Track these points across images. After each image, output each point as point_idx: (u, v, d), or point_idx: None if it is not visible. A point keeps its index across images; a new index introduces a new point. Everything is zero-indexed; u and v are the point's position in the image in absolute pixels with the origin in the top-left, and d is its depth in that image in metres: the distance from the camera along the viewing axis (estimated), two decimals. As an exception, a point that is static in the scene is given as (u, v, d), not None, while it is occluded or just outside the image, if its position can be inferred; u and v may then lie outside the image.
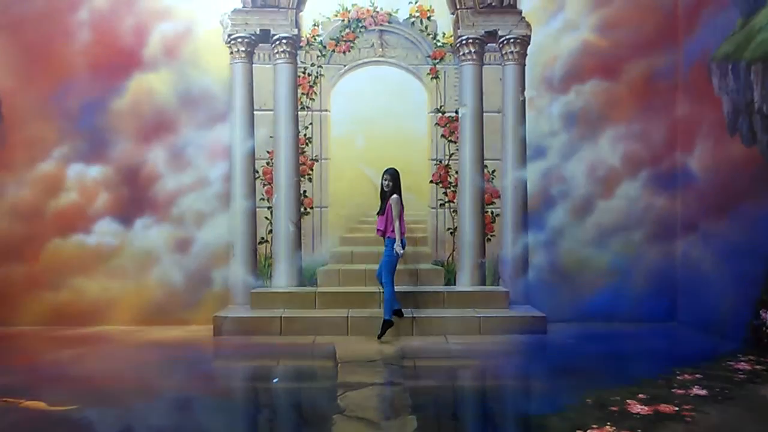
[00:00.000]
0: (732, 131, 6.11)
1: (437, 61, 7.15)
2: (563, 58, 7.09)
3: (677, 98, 7.07)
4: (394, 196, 6.05)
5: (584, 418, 3.73)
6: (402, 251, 6.00)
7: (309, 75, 7.14)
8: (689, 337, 6.35)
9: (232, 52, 7.00)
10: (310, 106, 7.15)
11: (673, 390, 4.31)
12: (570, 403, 4.03)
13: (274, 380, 4.97)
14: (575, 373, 4.96)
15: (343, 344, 5.89)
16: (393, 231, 5.96)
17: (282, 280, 7.04)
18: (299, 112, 7.12)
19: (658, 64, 7.09)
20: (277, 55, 7.04)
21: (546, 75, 7.11)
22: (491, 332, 6.35)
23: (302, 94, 7.13)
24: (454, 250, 7.16)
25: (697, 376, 4.67)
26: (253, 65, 7.07)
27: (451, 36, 7.14)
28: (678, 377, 4.64)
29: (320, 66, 7.15)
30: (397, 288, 6.17)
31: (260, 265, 7.08)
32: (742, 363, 5.10)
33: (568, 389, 4.41)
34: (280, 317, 6.42)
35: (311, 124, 7.16)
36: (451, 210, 7.18)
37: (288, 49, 7.02)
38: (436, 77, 7.16)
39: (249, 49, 7.01)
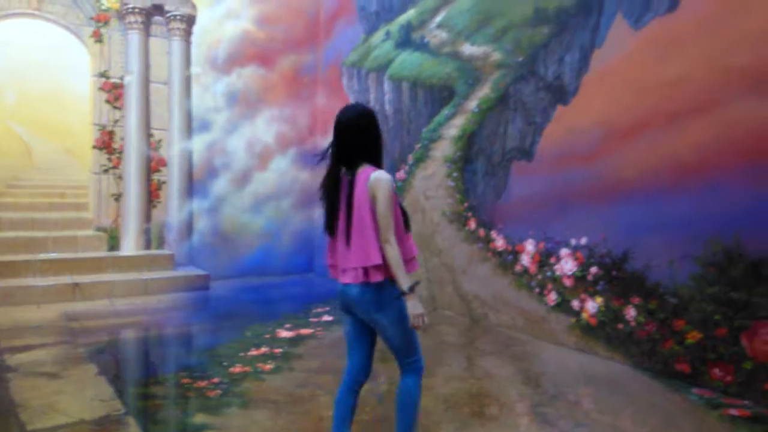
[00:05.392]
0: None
1: (101, 24, 7.03)
2: (226, 42, 7.86)
3: (318, 91, 8.64)
4: (380, 173, 2.39)
5: (245, 345, 4.71)
6: (421, 312, 2.38)
7: (-64, 13, 6.15)
8: (322, 283, 8.01)
9: None
10: (-63, 49, 6.19)
11: (309, 319, 5.68)
12: (233, 337, 4.96)
13: None
14: (235, 317, 5.91)
15: (1, 313, 5.55)
16: (388, 263, 2.43)
17: None
18: None
19: (304, 60, 8.50)
20: None
21: (211, 55, 7.76)
22: (158, 292, 6.79)
23: (-74, 34, 6.12)
24: (118, 216, 7.26)
25: (326, 308, 6.18)
26: None
27: (117, 2, 7.10)
28: (313, 310, 6.07)
29: (-48, 5, 6.24)
30: (55, 255, 5.92)
31: None
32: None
33: (231, 328, 5.32)
34: None
35: (-61, 70, 6.22)
36: (116, 176, 7.24)
37: None
38: (100, 41, 7.04)
39: None
